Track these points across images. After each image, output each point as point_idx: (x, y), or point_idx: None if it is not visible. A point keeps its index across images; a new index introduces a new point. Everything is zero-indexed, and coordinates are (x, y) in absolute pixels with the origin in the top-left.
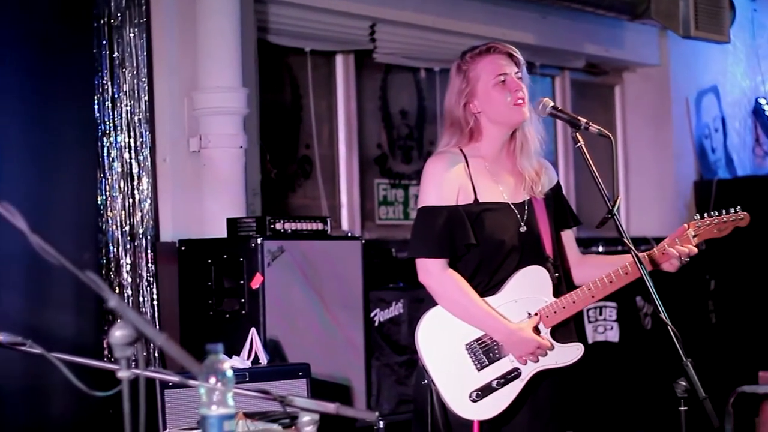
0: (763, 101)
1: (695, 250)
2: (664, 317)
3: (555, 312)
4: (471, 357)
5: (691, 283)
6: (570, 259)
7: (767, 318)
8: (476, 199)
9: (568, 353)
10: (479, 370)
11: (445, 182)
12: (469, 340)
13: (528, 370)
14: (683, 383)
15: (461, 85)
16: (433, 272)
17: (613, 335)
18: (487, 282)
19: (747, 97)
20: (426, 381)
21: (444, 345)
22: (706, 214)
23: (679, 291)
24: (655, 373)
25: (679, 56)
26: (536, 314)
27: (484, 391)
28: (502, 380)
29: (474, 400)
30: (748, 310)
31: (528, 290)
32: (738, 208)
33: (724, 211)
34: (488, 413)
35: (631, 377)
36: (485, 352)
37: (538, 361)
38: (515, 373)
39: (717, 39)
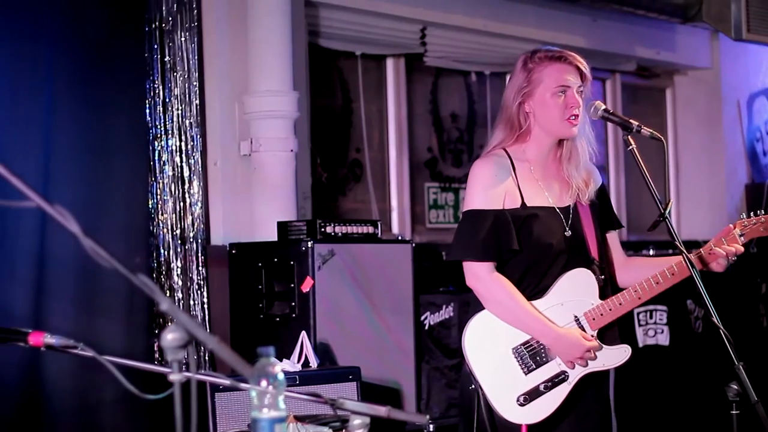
0: None
1: (741, 249)
2: (715, 320)
3: (602, 314)
4: (518, 361)
5: (742, 287)
6: (615, 262)
7: None
8: (523, 204)
9: (616, 355)
10: (526, 374)
11: (492, 186)
12: (516, 344)
13: (576, 374)
14: (735, 387)
15: (522, 82)
16: (481, 276)
17: (664, 339)
18: (535, 285)
19: None
20: (473, 386)
21: (491, 349)
22: (752, 213)
23: (730, 294)
24: (707, 376)
25: (730, 59)
26: (584, 316)
27: (532, 394)
28: (550, 384)
29: (521, 404)
30: None
31: (574, 293)
32: None
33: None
34: (536, 417)
35: (682, 381)
36: (532, 355)
37: (587, 365)
38: (563, 376)
39: None
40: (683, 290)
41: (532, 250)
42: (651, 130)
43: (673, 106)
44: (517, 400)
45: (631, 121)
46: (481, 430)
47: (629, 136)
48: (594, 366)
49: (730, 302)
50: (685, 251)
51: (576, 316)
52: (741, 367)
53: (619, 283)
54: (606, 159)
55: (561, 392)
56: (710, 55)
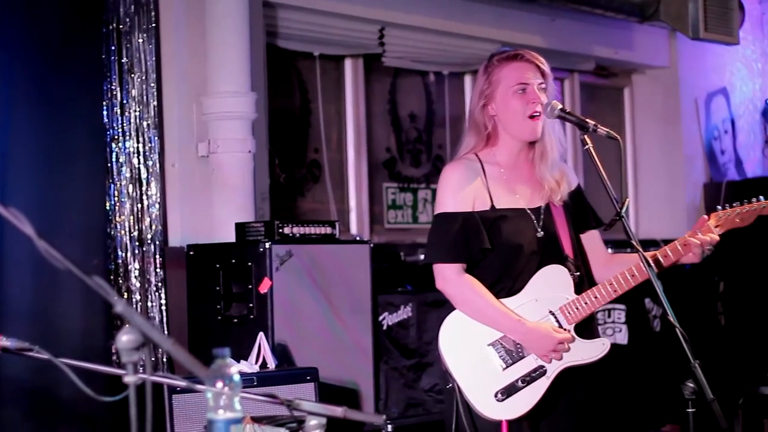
0: None
1: (717, 237)
2: (672, 319)
3: (577, 308)
4: (495, 357)
5: (700, 285)
6: (598, 259)
7: None
8: (492, 206)
9: (594, 349)
10: (503, 370)
11: (462, 189)
12: (492, 340)
13: (553, 368)
14: (691, 385)
15: (483, 86)
16: (450, 278)
17: (622, 337)
18: (510, 287)
19: (756, 98)
20: (450, 385)
21: (467, 347)
22: (727, 205)
23: (688, 293)
24: (664, 375)
25: (688, 58)
26: (559, 310)
27: (510, 390)
28: (528, 378)
29: (500, 400)
30: (757, 311)
31: (548, 289)
32: (761, 197)
33: (746, 200)
34: (515, 412)
35: (640, 379)
36: (509, 351)
37: (562, 358)
38: (540, 370)
39: (726, 40)
40: (641, 289)
41: (503, 251)
42: (607, 130)
43: (632, 105)
44: (495, 396)
45: (587, 120)
46: (461, 428)
47: (586, 136)
48: (572, 360)
49: (689, 301)
50: (641, 250)
51: (551, 311)
52: (697, 365)
53: (601, 279)
54: (564, 158)
55: (540, 387)
56: (668, 54)
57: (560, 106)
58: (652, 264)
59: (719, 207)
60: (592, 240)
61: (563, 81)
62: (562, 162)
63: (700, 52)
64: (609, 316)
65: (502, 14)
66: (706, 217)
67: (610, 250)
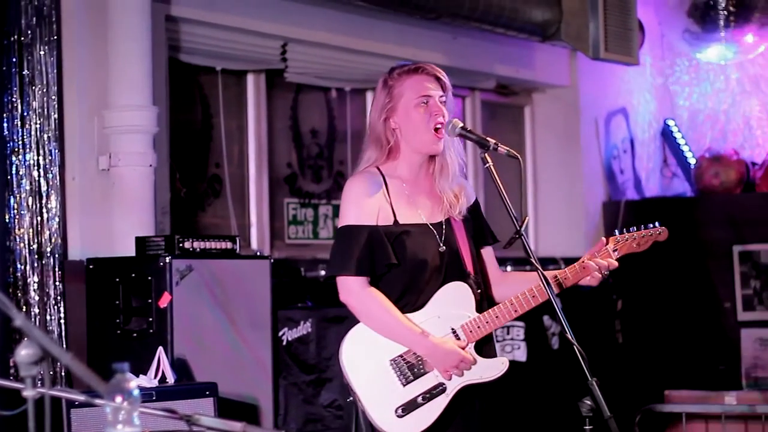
0: (671, 123)
1: (615, 263)
2: (570, 337)
3: (479, 327)
4: (396, 373)
5: (598, 303)
6: (491, 276)
7: (673, 338)
8: (396, 221)
9: (493, 367)
10: (404, 386)
11: (365, 203)
12: (393, 355)
13: (453, 385)
14: (589, 402)
15: (384, 100)
16: (354, 291)
17: (521, 354)
18: (414, 302)
19: (655, 118)
20: (351, 398)
21: (368, 362)
22: (625, 230)
23: (586, 310)
24: (562, 392)
25: (588, 78)
26: (461, 328)
27: (410, 406)
28: (428, 395)
29: (400, 416)
30: (654, 330)
31: (451, 306)
32: (657, 223)
33: (642, 226)
34: (414, 429)
35: (538, 396)
36: (410, 367)
37: (462, 375)
38: (440, 388)
39: (626, 61)
40: (540, 307)
41: (408, 267)
42: (507, 148)
43: (532, 123)
44: (396, 412)
45: (488, 139)
46: None
47: (486, 154)
48: (471, 378)
49: (587, 318)
50: (540, 268)
51: (453, 329)
52: (594, 382)
53: (496, 297)
54: (465, 176)
55: (439, 404)
56: (569, 73)
57: (461, 124)
58: (551, 282)
59: (617, 231)
60: (487, 256)
61: (464, 99)
62: (462, 177)
63: (600, 72)
64: (508, 333)
65: (405, 31)
66: (604, 239)
67: (509, 268)
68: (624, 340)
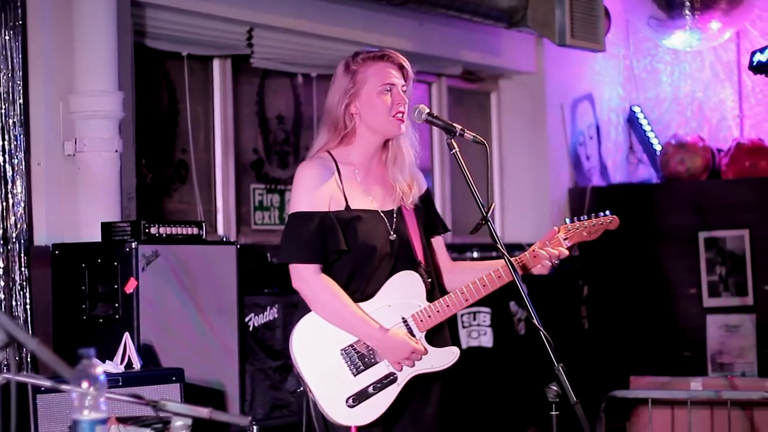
0: (637, 109)
1: (566, 252)
2: (536, 322)
3: (429, 316)
4: (347, 362)
5: (564, 289)
6: (441, 266)
7: (639, 324)
8: (347, 206)
9: (444, 357)
10: (355, 376)
11: (317, 189)
12: (344, 345)
13: (404, 375)
14: (555, 388)
15: (347, 84)
16: (306, 278)
17: (487, 340)
18: (363, 289)
19: (621, 105)
20: (302, 388)
21: (319, 351)
22: (576, 218)
23: (552, 296)
24: (528, 378)
25: (554, 64)
26: (412, 318)
27: (361, 396)
28: (379, 385)
29: (350, 406)
30: (620, 315)
31: (401, 295)
32: (608, 212)
33: (593, 214)
34: (365, 419)
35: (505, 382)
36: (360, 357)
37: (413, 365)
38: (391, 377)
39: (592, 47)
40: (506, 292)
41: (357, 252)
42: (474, 134)
43: (498, 109)
44: (346, 402)
45: (454, 125)
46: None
47: (452, 140)
48: (422, 368)
49: (553, 304)
50: (506, 254)
51: (404, 318)
52: (561, 368)
53: (447, 286)
54: (431, 162)
55: (390, 394)
56: (535, 59)
57: (427, 110)
58: (503, 269)
59: (567, 220)
60: (437, 246)
61: (431, 85)
62: (414, 166)
63: (566, 59)
64: (474, 319)
65: (371, 17)
66: (556, 228)
67: (475, 254)
68: (590, 326)
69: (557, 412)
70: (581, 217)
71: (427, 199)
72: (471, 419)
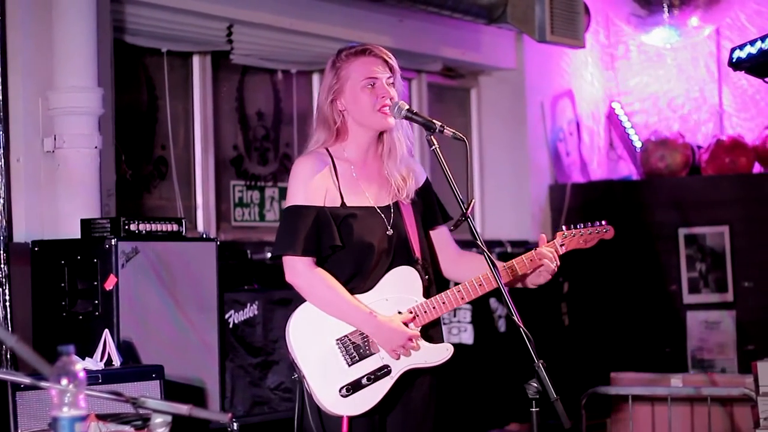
0: (617, 106)
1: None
2: (516, 319)
3: (425, 312)
4: (342, 352)
5: (544, 286)
6: (448, 256)
7: (619, 321)
8: (343, 203)
9: (438, 353)
10: (349, 366)
11: (313, 183)
12: (339, 335)
13: (398, 368)
14: (535, 385)
15: (332, 81)
16: (301, 270)
17: (468, 337)
18: (362, 286)
19: (601, 101)
20: (296, 376)
21: (315, 340)
22: (572, 225)
23: (532, 293)
24: (509, 374)
25: (534, 60)
26: (409, 311)
27: (355, 386)
28: (372, 377)
29: (344, 396)
30: (600, 312)
31: (399, 289)
32: (604, 222)
33: (590, 223)
34: (357, 409)
35: (485, 378)
36: (356, 347)
37: (409, 355)
38: (385, 370)
39: (572, 44)
40: None
41: (355, 249)
42: (453, 131)
43: (478, 106)
44: (339, 391)
45: (434, 121)
46: (305, 420)
47: (432, 136)
48: (416, 362)
49: (533, 301)
50: (486, 250)
51: (400, 312)
52: (541, 365)
53: (447, 274)
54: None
55: (383, 386)
56: (515, 56)
57: (407, 107)
58: (497, 264)
59: (563, 227)
60: (441, 236)
61: (411, 81)
62: (410, 158)
63: (546, 55)
64: (455, 316)
65: (351, 14)
66: (543, 236)
67: None
68: (570, 323)
69: (537, 409)
70: (578, 225)
71: (426, 189)
72: (452, 415)
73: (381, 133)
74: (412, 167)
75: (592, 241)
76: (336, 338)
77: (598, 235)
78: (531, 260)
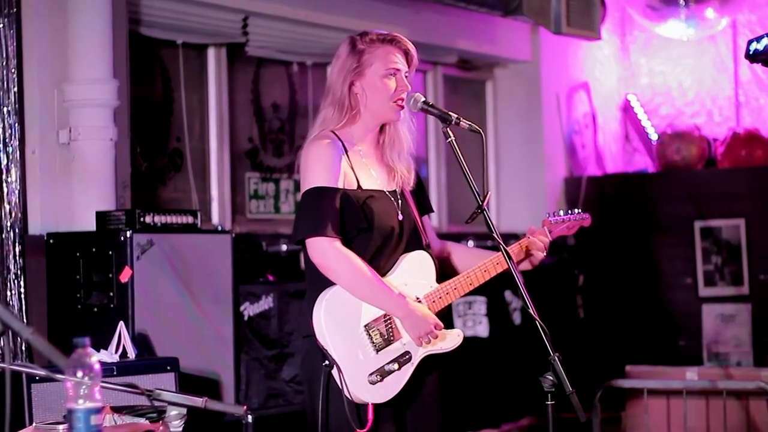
0: (632, 98)
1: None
2: (532, 312)
3: (440, 297)
4: (369, 339)
5: (559, 278)
6: (432, 246)
7: (634, 313)
8: (359, 186)
9: (451, 339)
10: (377, 353)
11: (332, 165)
12: (367, 321)
13: (418, 354)
14: (550, 378)
15: (352, 63)
16: (329, 250)
17: (483, 330)
18: (381, 268)
19: (617, 93)
20: (326, 362)
21: (344, 327)
22: (554, 213)
23: (547, 286)
24: (524, 367)
25: (550, 52)
26: (426, 297)
27: (382, 373)
28: (396, 364)
29: (372, 382)
30: (615, 305)
31: (416, 274)
32: (579, 210)
33: (570, 211)
34: (384, 396)
35: (500, 371)
36: (381, 334)
37: (430, 342)
38: (407, 356)
39: (588, 35)
40: (502, 281)
41: (377, 231)
42: (470, 123)
43: (494, 98)
44: (368, 378)
45: (450, 113)
46: (329, 408)
47: (448, 128)
48: (432, 348)
49: (548, 293)
50: (502, 243)
51: (418, 298)
52: (556, 358)
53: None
54: (426, 151)
55: (405, 372)
56: (530, 48)
57: (423, 99)
58: (513, 257)
59: (548, 214)
60: (427, 227)
61: (426, 73)
62: (410, 154)
63: (562, 47)
64: (470, 308)
65: (367, 5)
66: (533, 228)
67: (471, 243)
68: (585, 316)
69: (553, 402)
70: (559, 212)
71: (418, 181)
72: (467, 409)
73: (383, 124)
74: (410, 160)
75: (574, 229)
76: (363, 324)
77: (578, 223)
78: (518, 253)
